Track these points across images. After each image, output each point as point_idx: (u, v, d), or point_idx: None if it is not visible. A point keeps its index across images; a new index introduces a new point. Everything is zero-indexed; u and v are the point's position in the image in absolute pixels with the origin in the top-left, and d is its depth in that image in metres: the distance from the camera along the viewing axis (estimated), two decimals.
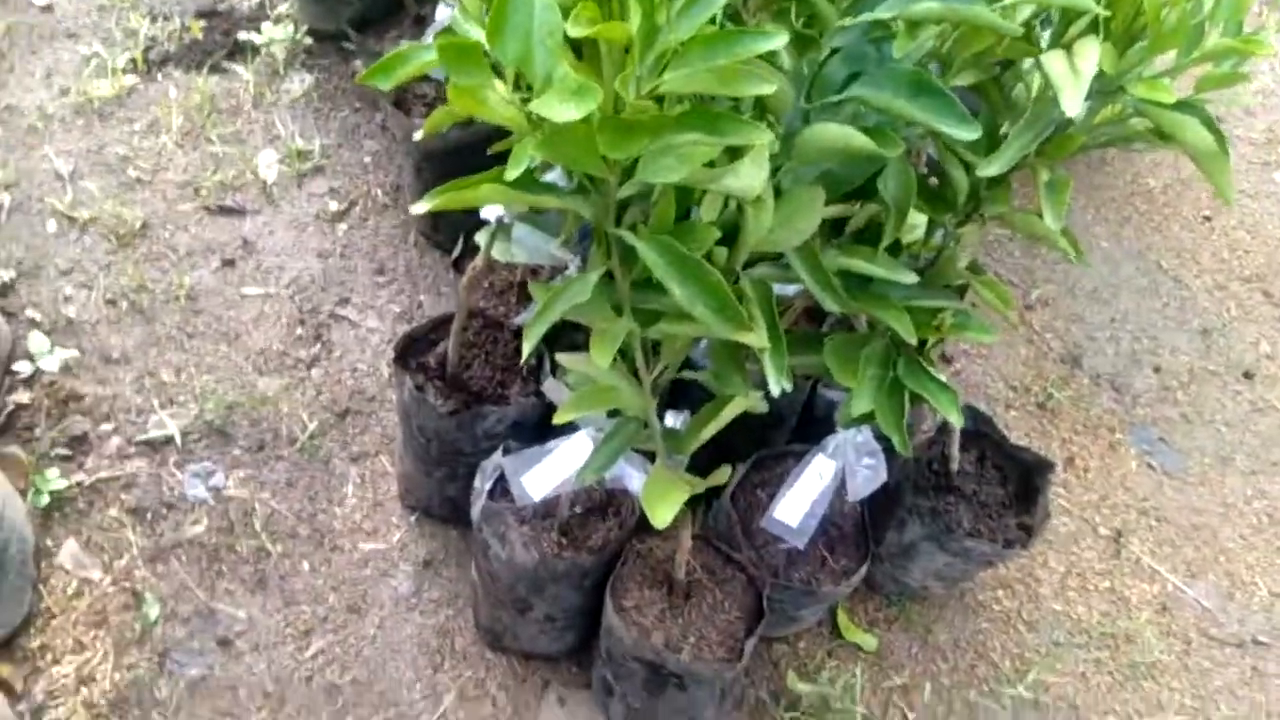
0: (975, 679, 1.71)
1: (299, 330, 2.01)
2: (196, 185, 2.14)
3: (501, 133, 1.97)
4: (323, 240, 2.12)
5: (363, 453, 1.87)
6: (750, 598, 1.50)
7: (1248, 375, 2.19)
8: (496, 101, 0.80)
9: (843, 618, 1.74)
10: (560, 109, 0.75)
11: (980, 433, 1.64)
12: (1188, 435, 2.07)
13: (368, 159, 2.25)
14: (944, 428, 1.60)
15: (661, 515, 1.17)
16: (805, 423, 1.73)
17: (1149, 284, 2.31)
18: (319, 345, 1.99)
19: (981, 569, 1.67)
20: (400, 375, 1.60)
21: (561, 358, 1.25)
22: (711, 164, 0.91)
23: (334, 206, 2.16)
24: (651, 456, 1.36)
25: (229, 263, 2.06)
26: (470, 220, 1.97)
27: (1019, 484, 1.62)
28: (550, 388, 1.39)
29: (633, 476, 1.39)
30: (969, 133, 0.92)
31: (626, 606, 1.45)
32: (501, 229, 1.45)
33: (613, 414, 1.35)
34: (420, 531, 1.80)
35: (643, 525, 1.55)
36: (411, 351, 1.65)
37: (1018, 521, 1.57)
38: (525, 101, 0.82)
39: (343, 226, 2.14)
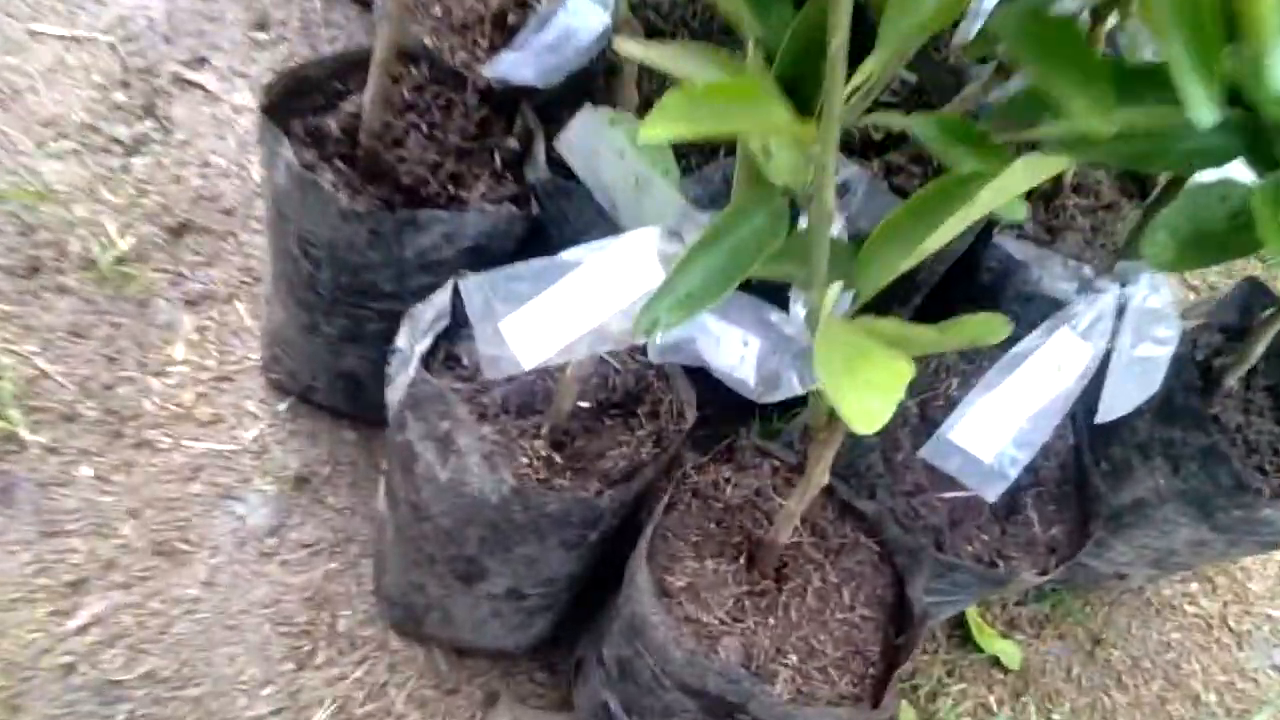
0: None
1: (120, 96, 1.25)
2: None
3: None
4: None
5: (206, 294, 1.14)
6: (884, 581, 0.83)
7: None
8: None
9: (972, 613, 1.09)
10: None
11: (1240, 329, 0.99)
12: None
13: None
14: (1216, 311, 0.95)
15: (870, 412, 0.48)
16: (952, 284, 1.05)
17: None
18: (151, 121, 1.24)
19: (1242, 556, 1.03)
20: (273, 137, 0.87)
21: (625, 45, 0.54)
22: None
23: None
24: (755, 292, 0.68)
25: None
26: None
27: None
28: (574, 138, 0.67)
29: (716, 338, 0.70)
30: None
31: (675, 589, 0.77)
32: None
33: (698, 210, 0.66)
34: (293, 428, 1.08)
35: (705, 439, 0.88)
36: (299, 104, 0.92)
37: None
38: None
39: None
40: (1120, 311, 0.76)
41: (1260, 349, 0.87)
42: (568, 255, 0.65)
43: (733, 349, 0.68)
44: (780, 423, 1.13)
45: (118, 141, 1.21)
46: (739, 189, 0.62)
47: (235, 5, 1.35)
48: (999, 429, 0.80)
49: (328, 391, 1.05)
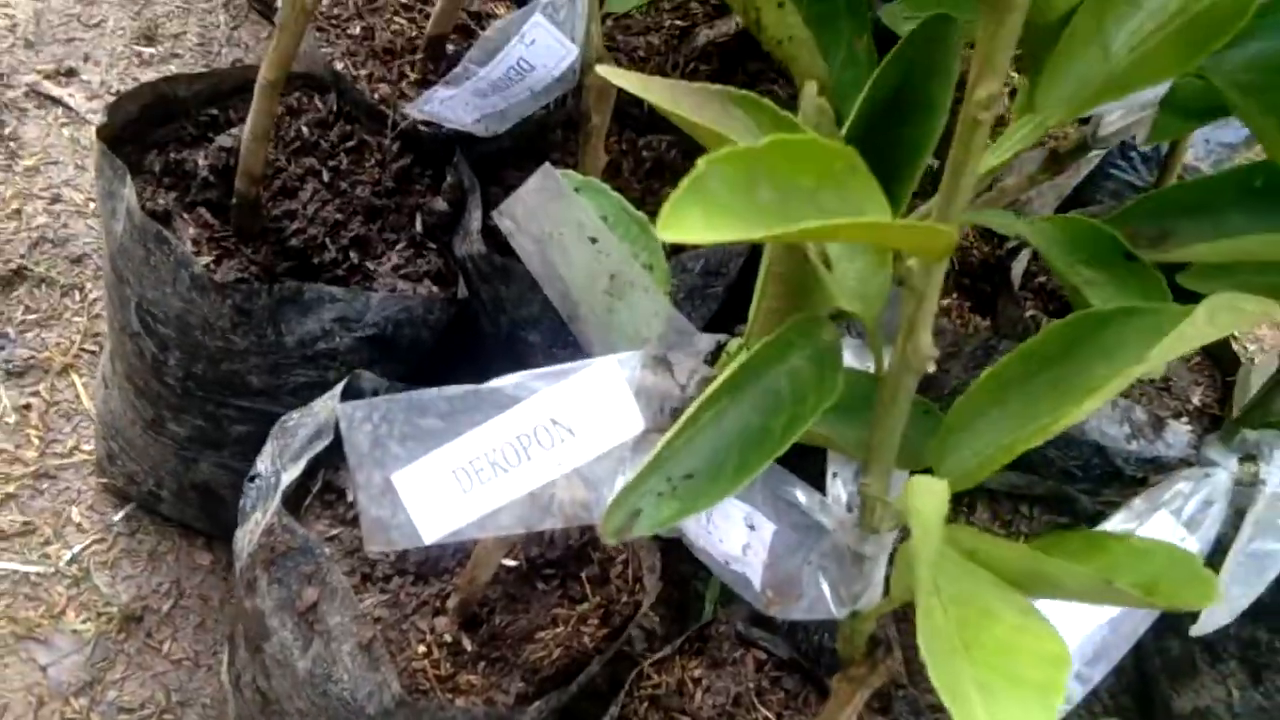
0: None
1: None
2: None
3: None
4: None
5: (35, 364, 0.90)
6: None
7: None
8: None
9: None
10: None
11: None
12: None
13: None
14: None
15: None
16: None
17: None
18: None
19: None
20: (113, 172, 0.65)
21: (612, 74, 0.33)
22: None
23: None
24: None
25: None
26: None
27: None
28: (522, 211, 0.45)
29: (706, 511, 0.48)
30: None
31: None
32: None
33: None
34: (129, 546, 0.84)
35: (672, 618, 0.66)
36: (157, 131, 0.70)
37: None
38: None
39: None
40: (1238, 494, 0.57)
41: None
42: (501, 384, 0.44)
43: (732, 532, 0.47)
44: None
45: None
46: (764, 310, 0.41)
47: (120, 11, 1.13)
48: (1064, 633, 0.60)
49: (176, 503, 0.81)
